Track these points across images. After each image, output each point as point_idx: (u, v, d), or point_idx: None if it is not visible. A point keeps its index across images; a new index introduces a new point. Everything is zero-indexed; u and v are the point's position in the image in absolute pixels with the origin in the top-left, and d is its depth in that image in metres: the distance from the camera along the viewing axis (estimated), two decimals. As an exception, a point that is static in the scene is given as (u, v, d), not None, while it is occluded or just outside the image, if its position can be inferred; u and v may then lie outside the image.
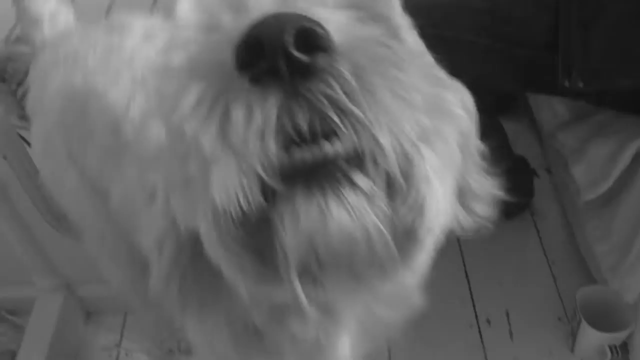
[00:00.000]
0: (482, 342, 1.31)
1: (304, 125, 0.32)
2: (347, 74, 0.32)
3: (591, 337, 1.19)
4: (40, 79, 0.91)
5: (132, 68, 0.79)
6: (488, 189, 0.58)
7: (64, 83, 0.84)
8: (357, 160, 0.33)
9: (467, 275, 1.42)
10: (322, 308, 0.51)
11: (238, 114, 0.32)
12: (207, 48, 0.35)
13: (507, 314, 1.34)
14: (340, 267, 0.36)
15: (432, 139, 0.35)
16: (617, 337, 1.18)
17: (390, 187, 0.35)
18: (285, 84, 0.32)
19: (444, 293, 1.39)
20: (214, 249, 0.37)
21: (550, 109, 1.33)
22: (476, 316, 1.35)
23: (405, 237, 0.36)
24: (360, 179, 0.33)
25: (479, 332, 1.32)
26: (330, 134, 0.32)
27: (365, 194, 0.34)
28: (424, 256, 0.41)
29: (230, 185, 0.32)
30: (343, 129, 0.32)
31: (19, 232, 1.15)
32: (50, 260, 1.24)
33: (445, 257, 1.38)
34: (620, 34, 0.89)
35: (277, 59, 0.31)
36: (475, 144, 0.54)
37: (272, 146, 0.32)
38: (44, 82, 0.89)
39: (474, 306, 1.37)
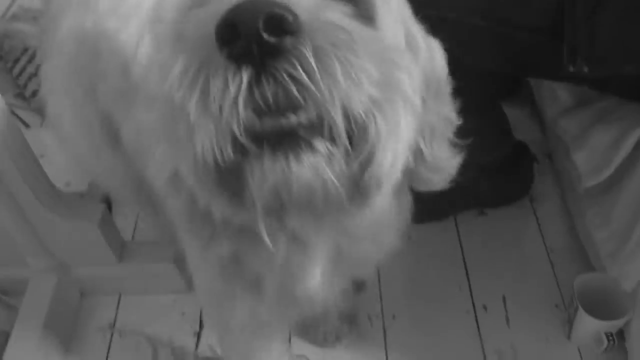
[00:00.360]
0: (478, 328, 1.30)
1: (271, 97, 0.39)
2: (309, 56, 0.38)
3: (588, 325, 1.18)
4: (53, 22, 0.94)
5: (140, 12, 0.83)
6: (446, 160, 0.64)
7: (75, 26, 0.89)
8: (316, 126, 0.41)
9: (464, 260, 1.41)
10: (289, 238, 0.60)
11: (216, 85, 0.39)
12: (194, 22, 0.41)
13: (504, 300, 1.34)
14: (300, 207, 0.45)
15: (380, 109, 0.42)
16: (614, 324, 1.17)
17: (347, 147, 0.43)
18: (256, 62, 0.38)
19: (441, 278, 1.38)
20: (193, 186, 0.46)
21: (553, 94, 1.31)
22: (473, 302, 1.34)
23: (356, 184, 0.45)
24: (316, 141, 0.41)
25: (476, 318, 1.32)
26: (295, 105, 0.39)
27: (320, 152, 0.42)
28: (378, 199, 0.48)
29: (207, 141, 0.40)
30: (302, 101, 0.39)
31: (13, 213, 1.14)
32: (44, 241, 1.22)
33: (442, 241, 1.39)
34: (628, 19, 0.86)
35: (250, 41, 0.37)
36: (443, 117, 0.61)
37: (244, 112, 0.39)
38: (56, 25, 0.92)
39: (470, 292, 1.36)
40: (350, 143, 0.43)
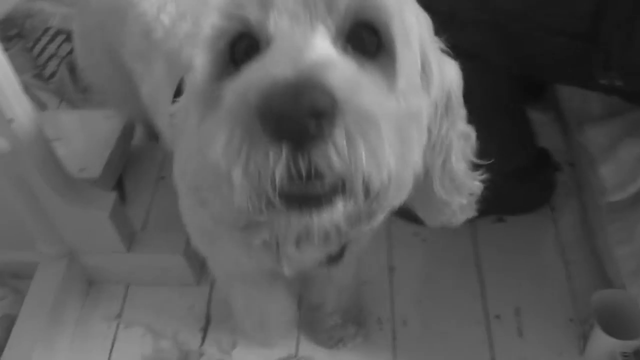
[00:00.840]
0: (490, 338, 1.27)
1: (304, 169, 0.44)
2: (341, 140, 0.44)
3: (603, 343, 1.15)
4: None
5: None
6: (470, 182, 0.67)
7: None
8: (337, 188, 0.47)
9: (479, 268, 1.38)
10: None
11: (258, 157, 0.44)
12: (234, 90, 0.47)
13: (518, 311, 1.31)
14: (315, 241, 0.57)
15: (393, 172, 0.48)
16: (631, 344, 1.14)
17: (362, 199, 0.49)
18: (295, 143, 0.44)
19: (455, 284, 1.35)
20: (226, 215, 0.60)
21: (580, 101, 1.27)
22: (485, 311, 1.31)
23: (365, 215, 0.55)
24: (337, 200, 0.48)
25: (488, 327, 1.29)
26: (322, 175, 0.45)
27: (338, 208, 0.49)
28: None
29: (244, 198, 0.48)
30: (330, 173, 0.45)
31: (23, 197, 1.12)
32: (54, 227, 1.21)
33: (458, 246, 1.35)
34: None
35: (294, 128, 0.43)
36: (458, 133, 0.64)
37: (279, 180, 0.45)
38: None
39: (484, 300, 1.33)
40: (365, 194, 0.49)
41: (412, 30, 0.55)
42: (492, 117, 1.23)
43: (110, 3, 1.08)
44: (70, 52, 1.93)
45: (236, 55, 0.54)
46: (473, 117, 1.19)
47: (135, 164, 1.62)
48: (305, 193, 0.47)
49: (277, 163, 0.44)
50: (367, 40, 0.52)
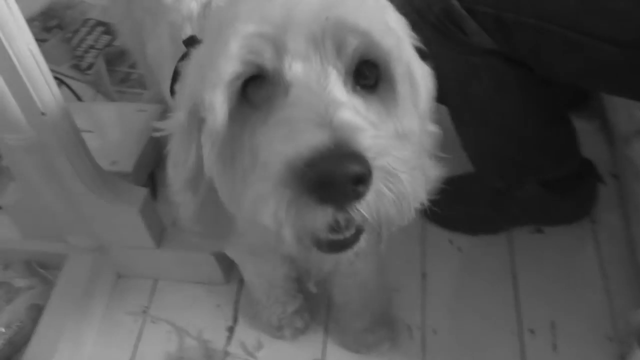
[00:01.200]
0: (522, 351, 1.23)
1: (342, 223, 0.53)
2: (372, 198, 0.51)
3: (644, 364, 1.10)
4: None
5: None
6: (429, 169, 0.70)
7: None
8: (364, 229, 0.57)
9: (515, 279, 1.33)
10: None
11: (307, 215, 0.50)
12: (293, 167, 0.49)
13: (553, 326, 1.26)
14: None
15: (411, 207, 0.56)
16: (674, 368, 1.09)
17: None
18: (341, 204, 0.50)
19: (489, 295, 1.31)
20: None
21: (628, 112, 1.22)
22: (519, 324, 1.27)
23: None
24: (362, 238, 0.57)
25: (521, 341, 1.24)
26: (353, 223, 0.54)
27: (361, 244, 0.58)
28: None
29: (289, 247, 0.55)
30: (362, 223, 0.54)
31: (55, 190, 1.12)
32: (84, 219, 1.20)
33: (494, 256, 1.31)
34: None
35: (340, 193, 0.49)
36: (428, 132, 0.69)
37: (321, 230, 0.53)
38: None
39: (518, 313, 1.28)
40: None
41: (406, 55, 0.60)
42: (534, 125, 1.19)
43: None
44: (109, 44, 1.94)
45: (249, 94, 0.57)
46: (514, 125, 1.17)
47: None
48: (336, 241, 0.55)
49: (323, 220, 0.51)
50: (369, 74, 0.58)
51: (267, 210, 0.51)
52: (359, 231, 0.56)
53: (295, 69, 0.54)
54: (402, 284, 1.33)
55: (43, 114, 0.93)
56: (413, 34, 0.65)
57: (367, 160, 0.49)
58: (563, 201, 1.35)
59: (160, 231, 1.27)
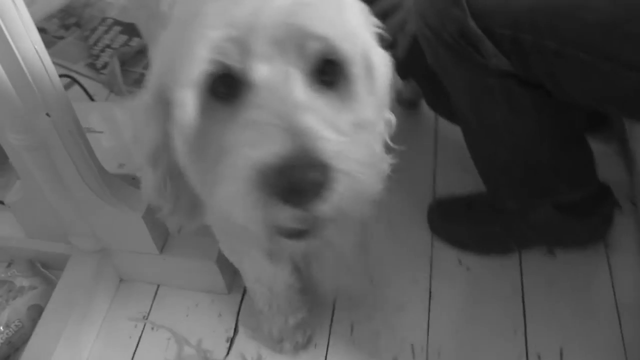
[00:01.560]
0: (529, 378, 1.20)
1: (303, 218, 0.58)
2: (331, 198, 0.56)
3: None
4: None
5: None
6: (380, 158, 0.76)
7: None
8: (326, 222, 0.61)
9: (523, 302, 1.30)
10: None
11: (272, 213, 0.57)
12: (260, 172, 0.55)
13: (561, 353, 1.22)
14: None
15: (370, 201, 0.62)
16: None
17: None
18: (301, 205, 0.56)
19: (496, 317, 1.28)
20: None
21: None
22: (527, 349, 1.23)
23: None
24: (325, 230, 0.62)
25: (528, 366, 1.21)
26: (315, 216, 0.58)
27: (324, 235, 0.63)
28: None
29: (257, 237, 0.61)
30: (321, 216, 0.58)
31: (59, 192, 1.11)
32: (88, 222, 1.19)
33: (503, 278, 1.28)
34: None
35: (298, 199, 0.55)
36: (384, 119, 0.75)
37: (283, 224, 0.59)
38: None
39: (525, 337, 1.25)
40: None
41: (364, 51, 0.64)
42: (549, 147, 1.16)
43: None
44: (125, 44, 1.93)
45: (216, 89, 0.61)
46: (528, 146, 1.14)
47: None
48: (301, 230, 0.61)
49: (285, 217, 0.57)
50: (329, 72, 0.62)
51: (237, 209, 0.57)
52: (321, 223, 0.61)
53: (260, 70, 0.58)
54: (408, 302, 1.30)
55: (48, 115, 0.92)
56: (375, 24, 0.70)
57: (328, 167, 0.55)
58: (577, 224, 1.31)
59: (164, 237, 1.26)
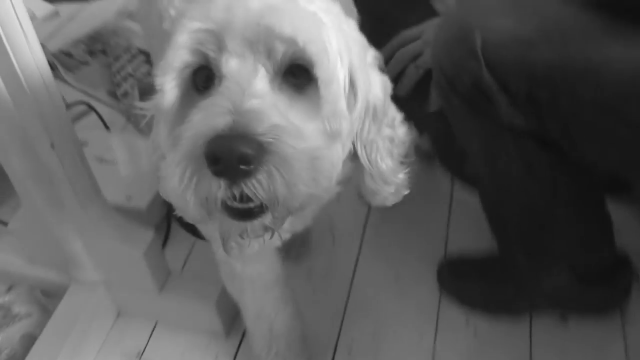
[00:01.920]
0: None
1: (238, 194, 0.60)
2: (264, 176, 0.59)
3: None
4: None
5: None
6: (391, 172, 0.81)
7: None
8: (264, 206, 0.63)
9: (532, 367, 1.24)
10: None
11: (204, 186, 0.60)
12: (187, 138, 0.61)
13: None
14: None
15: (304, 194, 0.63)
16: None
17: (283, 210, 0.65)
18: (231, 178, 0.59)
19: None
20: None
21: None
22: (532, 418, 1.18)
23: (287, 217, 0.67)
24: (265, 215, 0.64)
25: None
26: (252, 198, 0.61)
27: (265, 218, 0.64)
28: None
29: (196, 210, 0.63)
30: (256, 198, 0.61)
31: (62, 222, 1.10)
32: (90, 255, 1.17)
33: (511, 343, 1.22)
34: None
35: (228, 168, 0.57)
36: (385, 136, 0.78)
37: (220, 199, 0.61)
38: None
39: (531, 406, 1.19)
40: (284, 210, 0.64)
41: (338, 63, 0.67)
42: (564, 210, 1.12)
43: None
44: (147, 73, 1.94)
45: (197, 82, 0.68)
46: (541, 208, 1.10)
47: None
48: (241, 209, 0.62)
49: (218, 190, 0.60)
50: (298, 76, 0.66)
51: (174, 177, 0.61)
52: (263, 206, 0.63)
53: (230, 64, 0.64)
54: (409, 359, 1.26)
55: (52, 146, 0.91)
56: (368, 45, 0.77)
57: (256, 142, 0.58)
58: (592, 292, 1.26)
59: (165, 276, 1.23)
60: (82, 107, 1.77)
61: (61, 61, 2.01)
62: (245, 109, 0.60)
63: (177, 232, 1.48)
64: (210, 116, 0.60)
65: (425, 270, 1.39)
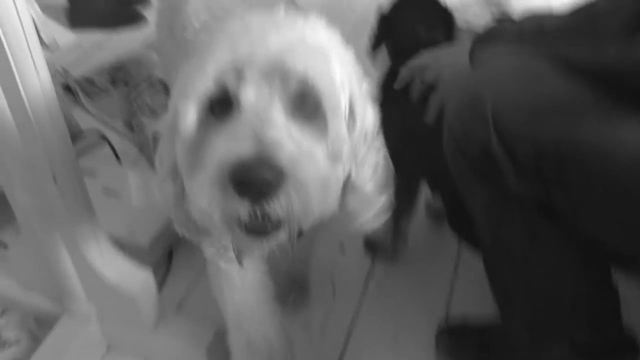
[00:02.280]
0: None
1: (259, 214, 0.68)
2: (282, 198, 0.67)
3: None
4: None
5: None
6: (372, 195, 0.86)
7: None
8: (280, 224, 0.71)
9: None
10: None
11: (230, 204, 0.67)
12: (219, 170, 0.67)
13: None
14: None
15: (316, 213, 0.72)
16: None
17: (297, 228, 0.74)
18: (254, 200, 0.66)
19: None
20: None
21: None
22: None
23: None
24: (280, 232, 0.72)
25: None
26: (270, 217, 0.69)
27: (280, 236, 0.73)
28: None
29: (221, 228, 0.72)
30: (275, 217, 0.69)
31: (58, 253, 1.09)
32: (83, 287, 1.16)
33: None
34: None
35: (252, 191, 0.65)
36: (372, 163, 0.85)
37: (243, 218, 0.69)
38: None
39: None
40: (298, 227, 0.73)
41: (342, 94, 0.75)
42: (568, 285, 1.09)
43: None
44: (163, 106, 1.94)
45: (215, 109, 0.73)
46: (544, 280, 1.07)
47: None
48: (260, 227, 0.70)
49: (241, 208, 0.67)
50: (308, 104, 0.73)
51: (202, 197, 0.69)
52: (277, 224, 0.71)
53: (249, 94, 0.71)
54: None
55: (55, 180, 0.90)
56: (365, 76, 0.83)
57: (277, 169, 0.66)
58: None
59: (158, 316, 1.21)
60: (95, 136, 1.77)
61: (82, 87, 2.04)
62: (265, 138, 0.67)
63: (177, 270, 1.47)
64: (234, 144, 0.67)
65: (426, 331, 1.36)
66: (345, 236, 1.57)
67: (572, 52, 0.94)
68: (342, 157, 0.77)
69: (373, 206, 0.87)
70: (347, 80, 0.78)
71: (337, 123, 0.75)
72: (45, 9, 2.47)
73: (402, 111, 1.30)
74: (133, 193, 1.52)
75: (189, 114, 0.73)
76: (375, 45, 1.47)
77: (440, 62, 1.25)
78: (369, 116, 0.83)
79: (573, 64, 0.93)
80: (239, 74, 0.71)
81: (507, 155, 0.92)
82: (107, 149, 1.74)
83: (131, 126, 1.89)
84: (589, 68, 0.91)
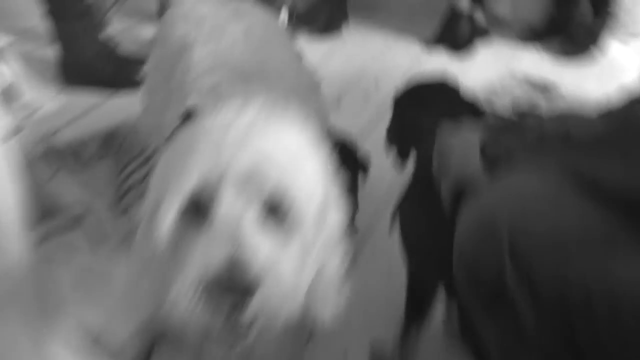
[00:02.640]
0: None
1: (235, 320, 0.76)
2: (256, 307, 0.75)
3: None
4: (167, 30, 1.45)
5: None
6: (330, 294, 0.91)
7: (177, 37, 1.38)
8: (253, 326, 0.79)
9: None
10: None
11: (207, 309, 0.76)
12: (195, 281, 0.76)
13: None
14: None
15: (288, 313, 0.81)
16: None
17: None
18: (230, 310, 0.75)
19: None
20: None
21: None
22: None
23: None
24: (249, 332, 0.79)
25: None
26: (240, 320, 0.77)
27: (251, 338, 0.80)
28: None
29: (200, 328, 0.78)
30: (244, 325, 0.77)
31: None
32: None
33: None
34: None
35: (229, 304, 0.74)
36: (333, 265, 0.91)
37: (219, 319, 0.77)
38: (168, 32, 1.43)
39: None
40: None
41: (311, 201, 0.83)
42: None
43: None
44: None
45: (191, 213, 0.79)
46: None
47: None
48: (232, 330, 0.78)
49: (219, 315, 0.75)
50: (280, 212, 0.80)
51: (181, 303, 0.75)
52: (250, 324, 0.77)
53: (224, 205, 0.77)
54: None
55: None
56: (335, 178, 0.89)
57: (253, 284, 0.74)
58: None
59: None
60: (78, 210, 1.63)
61: (65, 160, 1.89)
62: (235, 257, 0.74)
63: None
64: (211, 254, 0.75)
65: None
66: (349, 344, 1.40)
67: (601, 171, 0.85)
68: (309, 258, 0.83)
69: (330, 300, 0.92)
70: (317, 186, 0.85)
71: (306, 228, 0.82)
72: (30, 62, 2.33)
73: (425, 210, 1.17)
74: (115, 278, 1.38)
75: (170, 213, 0.79)
76: (402, 154, 1.32)
77: (449, 153, 1.10)
78: (335, 220, 0.88)
79: (601, 186, 0.83)
80: (215, 184, 0.78)
81: (524, 288, 0.83)
82: (91, 225, 1.60)
83: (118, 208, 1.72)
84: (620, 190, 0.82)
